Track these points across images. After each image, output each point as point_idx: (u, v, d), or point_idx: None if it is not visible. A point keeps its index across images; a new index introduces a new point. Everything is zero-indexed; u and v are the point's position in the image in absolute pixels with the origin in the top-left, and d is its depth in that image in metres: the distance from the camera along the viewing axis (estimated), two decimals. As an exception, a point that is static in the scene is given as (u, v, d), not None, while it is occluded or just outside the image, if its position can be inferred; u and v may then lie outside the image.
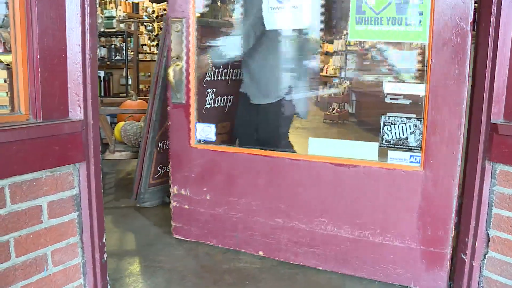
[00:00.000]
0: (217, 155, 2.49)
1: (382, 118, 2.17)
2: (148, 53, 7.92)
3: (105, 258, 1.89)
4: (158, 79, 2.79)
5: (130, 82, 5.43)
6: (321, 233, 2.29)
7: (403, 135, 2.14)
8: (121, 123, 3.72)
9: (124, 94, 5.71)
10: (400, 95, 2.13)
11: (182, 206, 2.59)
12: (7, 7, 1.63)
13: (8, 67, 1.69)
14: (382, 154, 2.17)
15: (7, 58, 1.70)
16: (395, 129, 2.16)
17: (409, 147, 2.12)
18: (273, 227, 2.39)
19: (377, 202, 2.15)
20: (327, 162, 2.25)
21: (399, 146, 2.14)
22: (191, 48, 2.46)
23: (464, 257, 1.95)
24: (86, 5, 1.65)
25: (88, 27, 1.66)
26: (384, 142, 2.18)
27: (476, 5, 1.96)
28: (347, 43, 9.56)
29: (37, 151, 1.57)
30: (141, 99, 4.33)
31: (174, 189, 2.60)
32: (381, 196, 2.14)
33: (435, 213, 2.03)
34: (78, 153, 1.70)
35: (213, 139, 2.57)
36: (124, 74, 5.75)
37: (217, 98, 2.98)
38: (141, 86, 7.73)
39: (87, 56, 1.67)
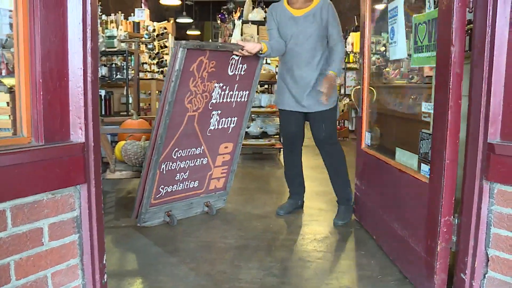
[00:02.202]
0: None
1: (420, 133, 2.32)
2: (148, 71, 7.99)
3: (105, 279, 1.89)
4: (165, 104, 2.81)
5: (130, 101, 5.46)
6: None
7: (427, 149, 2.21)
8: (122, 142, 3.74)
9: (125, 113, 5.75)
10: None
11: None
12: (11, 28, 1.66)
13: (11, 90, 1.71)
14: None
15: (10, 81, 1.71)
16: (424, 144, 2.27)
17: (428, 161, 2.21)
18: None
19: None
20: (398, 169, 2.54)
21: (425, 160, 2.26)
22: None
23: (464, 277, 1.95)
24: (87, 29, 1.69)
25: (89, 50, 1.69)
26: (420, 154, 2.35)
27: (471, 25, 2.00)
28: (346, 60, 9.66)
29: (39, 173, 1.58)
30: (141, 118, 4.35)
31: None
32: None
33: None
34: (79, 175, 1.72)
35: (369, 143, 3.18)
36: (124, 93, 5.79)
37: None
38: (141, 104, 7.80)
39: (89, 79, 1.70)
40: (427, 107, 2.27)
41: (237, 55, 3.06)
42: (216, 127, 3.28)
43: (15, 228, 1.52)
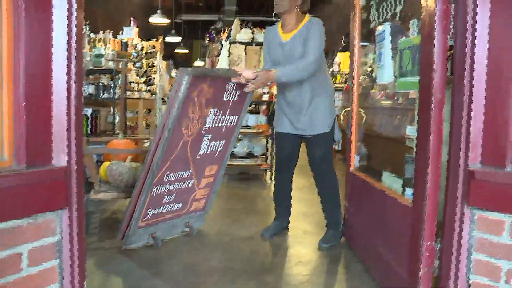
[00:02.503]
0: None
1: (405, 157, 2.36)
2: (136, 90, 7.98)
3: (86, 305, 1.87)
4: (164, 130, 2.81)
5: (117, 120, 5.45)
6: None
7: (411, 173, 2.23)
8: (107, 163, 3.72)
9: (111, 132, 5.73)
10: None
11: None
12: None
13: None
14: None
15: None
16: (408, 168, 2.29)
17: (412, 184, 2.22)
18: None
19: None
20: (382, 190, 2.60)
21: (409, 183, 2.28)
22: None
23: (447, 302, 1.96)
24: (72, 53, 1.69)
25: (74, 74, 1.70)
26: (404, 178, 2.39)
27: (451, 51, 2.04)
28: (333, 80, 9.74)
29: (20, 198, 1.57)
30: (128, 137, 4.34)
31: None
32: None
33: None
34: (61, 200, 1.71)
35: (358, 166, 3.22)
36: (111, 111, 5.77)
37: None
38: (128, 123, 7.78)
39: (73, 103, 1.70)
40: (411, 131, 2.30)
41: (233, 81, 3.03)
42: (206, 151, 3.27)
43: (-7, 253, 1.50)
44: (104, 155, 4.18)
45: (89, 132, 5.81)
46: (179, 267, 2.86)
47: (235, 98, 3.18)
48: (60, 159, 1.71)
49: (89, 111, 5.80)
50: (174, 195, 3.27)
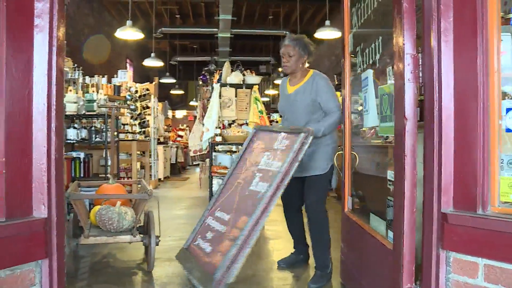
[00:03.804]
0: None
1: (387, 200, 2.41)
2: (129, 132, 8.06)
3: None
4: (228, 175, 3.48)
5: (110, 163, 5.49)
6: None
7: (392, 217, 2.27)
8: (97, 207, 3.75)
9: (104, 175, 5.76)
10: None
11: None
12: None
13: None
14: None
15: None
16: (390, 211, 2.34)
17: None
18: None
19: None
20: (371, 234, 2.60)
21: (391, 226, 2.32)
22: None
23: None
24: (52, 109, 1.76)
25: (54, 129, 1.76)
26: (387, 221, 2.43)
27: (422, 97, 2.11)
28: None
29: (-1, 250, 1.60)
30: (119, 181, 4.37)
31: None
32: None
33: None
34: (41, 251, 1.74)
35: (351, 208, 3.21)
36: (103, 155, 5.83)
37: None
38: (123, 165, 7.83)
39: (53, 157, 1.75)
40: (390, 175, 2.34)
41: (284, 132, 3.30)
42: (255, 188, 3.21)
43: (-30, 307, 1.52)
44: (94, 200, 4.20)
45: (81, 175, 5.84)
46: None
47: (283, 148, 3.28)
48: (40, 211, 1.75)
49: (81, 155, 5.86)
50: (213, 235, 3.12)
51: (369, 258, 2.62)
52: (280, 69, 15.00)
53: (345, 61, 3.25)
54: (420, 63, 2.10)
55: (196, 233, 3.33)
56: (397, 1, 2.09)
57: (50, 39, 1.77)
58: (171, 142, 14.26)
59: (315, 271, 3.42)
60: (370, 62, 2.73)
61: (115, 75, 9.24)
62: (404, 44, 2.02)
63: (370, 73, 2.73)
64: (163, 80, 14.58)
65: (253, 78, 6.54)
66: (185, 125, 20.04)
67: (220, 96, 6.24)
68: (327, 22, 8.28)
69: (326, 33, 8.26)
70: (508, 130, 1.79)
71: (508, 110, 1.78)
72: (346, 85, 3.24)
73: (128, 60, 14.83)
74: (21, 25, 1.72)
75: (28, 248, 1.69)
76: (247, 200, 3.15)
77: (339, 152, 3.38)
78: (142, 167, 9.04)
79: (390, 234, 2.30)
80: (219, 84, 6.34)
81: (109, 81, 8.15)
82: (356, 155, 3.15)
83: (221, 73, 6.74)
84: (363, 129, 3.71)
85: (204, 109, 7.10)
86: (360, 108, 3.74)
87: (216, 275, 2.68)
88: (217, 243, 3.03)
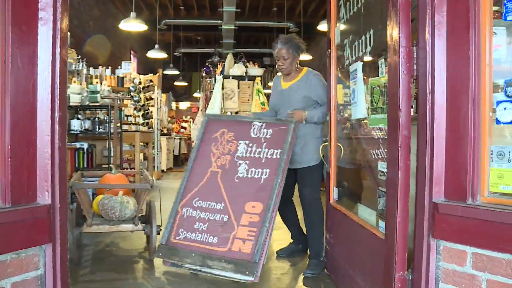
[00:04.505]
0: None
1: (377, 191, 2.44)
2: (133, 123, 8.13)
3: (68, 338, 1.94)
4: (189, 161, 3.39)
5: (112, 154, 5.57)
6: None
7: (384, 207, 2.32)
8: (99, 197, 3.82)
9: (107, 165, 5.84)
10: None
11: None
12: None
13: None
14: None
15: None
16: (381, 201, 2.39)
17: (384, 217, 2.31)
18: None
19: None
20: (360, 224, 2.65)
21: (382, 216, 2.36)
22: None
23: (417, 331, 2.02)
24: (56, 100, 1.82)
25: (57, 119, 1.82)
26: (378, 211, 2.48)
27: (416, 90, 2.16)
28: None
29: (4, 234, 1.67)
30: (121, 171, 4.44)
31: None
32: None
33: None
34: (45, 236, 1.80)
35: (337, 198, 3.30)
36: (107, 146, 5.91)
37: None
38: (126, 155, 7.90)
39: (56, 146, 1.82)
40: (382, 166, 2.40)
41: (258, 122, 3.48)
42: (246, 175, 3.33)
43: (-23, 289, 1.59)
44: (97, 189, 4.28)
45: (85, 165, 5.93)
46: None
47: (268, 136, 3.42)
48: (44, 197, 1.82)
49: (85, 146, 5.94)
50: (206, 226, 3.21)
51: (359, 248, 2.68)
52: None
53: (331, 53, 3.30)
54: (415, 56, 2.14)
55: (172, 227, 3.25)
56: (393, -6, 2.13)
57: (54, 32, 1.82)
58: (174, 134, 14.34)
59: (309, 260, 3.53)
60: (360, 54, 2.77)
61: (119, 67, 9.30)
62: (399, 37, 2.06)
63: (359, 65, 2.77)
64: (167, 72, 14.63)
65: (255, 70, 6.59)
66: (188, 117, 20.11)
67: (222, 87, 6.29)
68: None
69: (329, 26, 8.27)
70: (498, 123, 1.83)
71: (498, 103, 1.82)
72: (332, 77, 3.29)
73: (132, 51, 14.86)
74: (26, 18, 1.78)
75: (32, 233, 1.76)
76: (245, 187, 3.27)
77: (325, 144, 3.45)
78: (145, 158, 9.11)
79: (381, 223, 2.36)
80: (221, 75, 6.39)
81: (113, 73, 8.21)
82: (341, 147, 3.20)
83: (224, 65, 6.78)
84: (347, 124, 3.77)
85: (207, 100, 7.15)
86: (349, 99, 3.79)
87: (255, 258, 2.92)
88: (227, 231, 3.14)
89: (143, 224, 3.72)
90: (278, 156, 3.33)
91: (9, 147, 1.71)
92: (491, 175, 1.85)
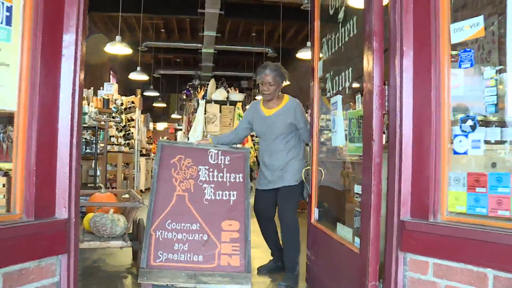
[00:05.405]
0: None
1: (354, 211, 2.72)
2: (115, 144, 8.31)
3: None
4: (152, 183, 3.47)
5: (98, 173, 5.76)
6: None
7: (359, 225, 2.61)
8: (90, 215, 4.01)
9: (92, 185, 6.02)
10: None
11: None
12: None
13: (5, 174, 2.05)
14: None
15: (5, 166, 2.06)
16: (357, 220, 2.67)
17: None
18: None
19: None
20: (339, 241, 2.90)
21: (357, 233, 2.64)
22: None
23: (387, 334, 2.31)
24: (74, 125, 2.07)
25: (75, 143, 2.07)
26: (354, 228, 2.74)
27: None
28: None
29: (28, 245, 1.90)
30: (109, 191, 4.65)
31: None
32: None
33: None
34: (61, 247, 2.04)
35: (317, 218, 3.52)
36: (93, 165, 6.09)
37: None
38: (108, 175, 8.06)
39: (73, 167, 2.07)
40: (358, 189, 2.70)
41: (214, 149, 3.72)
42: (214, 198, 3.57)
43: (5, 292, 1.81)
44: (87, 208, 4.46)
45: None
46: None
47: (226, 162, 3.69)
48: (61, 212, 2.06)
49: (71, 165, 6.09)
50: (187, 246, 3.38)
51: (337, 262, 2.96)
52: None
53: (314, 85, 3.62)
54: (386, 93, 2.46)
55: (150, 251, 3.33)
56: (368, 39, 2.45)
57: (74, 66, 2.09)
58: (152, 154, 14.48)
59: (285, 273, 3.81)
60: (340, 88, 3.09)
61: (101, 87, 9.50)
62: (373, 77, 2.39)
63: (339, 98, 3.08)
64: (147, 93, 14.83)
65: (236, 95, 6.90)
66: (165, 137, 20.26)
67: (205, 111, 6.57)
68: (309, 43, 8.70)
69: (307, 54, 8.68)
70: (455, 153, 2.16)
71: (455, 136, 2.15)
72: (315, 106, 3.59)
73: (112, 73, 15.06)
74: (53, 53, 2.04)
75: (52, 244, 1.99)
76: (216, 208, 3.53)
77: (307, 168, 3.74)
78: (125, 178, 9.27)
79: (357, 240, 2.65)
80: (204, 100, 6.68)
81: (95, 93, 8.42)
82: (322, 171, 3.50)
83: (206, 89, 7.08)
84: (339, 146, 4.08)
85: (190, 123, 7.40)
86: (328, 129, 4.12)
87: (248, 269, 3.30)
88: (210, 249, 3.37)
89: (131, 241, 3.92)
90: (241, 180, 3.67)
91: (34, 168, 1.95)
92: (450, 197, 2.17)
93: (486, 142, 2.09)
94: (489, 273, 1.91)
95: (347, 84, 2.93)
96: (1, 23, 1.90)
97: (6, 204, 2.02)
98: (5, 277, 1.81)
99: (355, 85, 2.82)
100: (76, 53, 2.10)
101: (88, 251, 4.69)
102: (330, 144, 3.43)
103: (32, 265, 1.92)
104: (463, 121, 2.12)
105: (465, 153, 2.13)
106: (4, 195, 2.04)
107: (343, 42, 3.01)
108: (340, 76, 3.05)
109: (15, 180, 1.96)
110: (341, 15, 3.07)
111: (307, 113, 4.32)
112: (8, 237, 1.83)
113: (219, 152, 3.71)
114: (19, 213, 1.96)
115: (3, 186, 2.03)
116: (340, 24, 3.05)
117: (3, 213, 1.99)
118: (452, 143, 2.18)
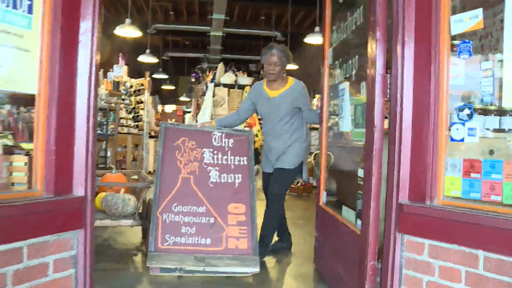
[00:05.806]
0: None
1: (357, 194, 2.82)
2: (125, 125, 8.45)
3: (92, 309, 2.31)
4: (157, 167, 3.56)
5: (109, 154, 5.91)
6: None
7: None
8: (102, 194, 4.16)
9: (103, 165, 6.17)
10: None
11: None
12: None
13: (27, 153, 2.18)
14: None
15: (27, 146, 2.19)
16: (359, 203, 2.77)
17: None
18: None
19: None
20: (343, 223, 3.01)
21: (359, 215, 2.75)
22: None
23: (384, 310, 2.44)
24: (91, 109, 2.20)
25: (91, 126, 2.20)
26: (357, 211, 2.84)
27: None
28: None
29: (49, 219, 2.04)
30: (119, 171, 4.79)
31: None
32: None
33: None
34: (78, 222, 2.18)
35: (325, 201, 3.61)
36: (103, 147, 6.24)
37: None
38: (118, 157, 8.23)
39: (90, 148, 2.20)
40: (361, 173, 2.81)
41: (218, 132, 3.81)
42: (219, 181, 3.70)
43: (28, 261, 1.96)
44: (98, 188, 4.61)
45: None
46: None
47: (230, 145, 3.79)
48: (78, 190, 2.19)
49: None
50: (194, 229, 3.49)
51: (341, 243, 3.08)
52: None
53: (324, 71, 3.71)
54: (388, 81, 2.55)
55: (157, 234, 3.40)
56: (372, 29, 2.54)
57: (91, 53, 2.21)
58: (161, 136, 14.58)
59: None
60: (347, 75, 3.18)
61: (110, 70, 9.61)
62: (376, 65, 2.48)
63: (346, 85, 3.18)
64: (156, 76, 14.92)
65: (245, 79, 7.00)
66: (173, 120, 20.39)
67: (213, 95, 6.68)
68: (317, 28, 8.74)
69: (315, 39, 8.72)
70: (452, 140, 2.27)
71: (452, 124, 2.26)
72: (325, 92, 3.69)
73: (121, 55, 15.14)
74: (70, 40, 2.15)
75: (70, 219, 2.13)
76: (221, 191, 3.65)
77: (316, 152, 3.84)
78: (135, 159, 9.44)
79: (359, 222, 2.76)
80: (213, 84, 6.78)
81: (104, 75, 8.54)
82: (331, 155, 3.61)
83: (215, 72, 7.17)
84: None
85: (198, 107, 7.52)
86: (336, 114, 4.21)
87: (255, 252, 3.46)
88: (218, 232, 3.50)
89: (141, 220, 4.07)
90: (245, 163, 3.80)
91: (54, 148, 2.08)
92: (446, 182, 2.28)
93: (487, 130, 2.20)
94: (480, 254, 2.03)
95: (354, 72, 3.02)
96: (23, 11, 2.01)
97: (28, 182, 2.16)
98: (29, 249, 1.96)
99: (361, 72, 2.92)
100: (92, 39, 2.21)
101: (99, 229, 4.83)
102: (337, 129, 3.53)
103: (52, 239, 2.06)
104: (460, 109, 2.22)
105: (462, 140, 2.23)
106: (26, 173, 2.17)
107: (351, 30, 3.10)
108: (348, 64, 3.14)
109: (36, 159, 2.09)
110: (350, 3, 3.16)
111: (314, 97, 4.43)
112: (31, 211, 1.97)
113: (223, 134, 3.80)
114: (40, 189, 2.10)
115: (25, 164, 2.17)
116: (349, 12, 3.14)
117: (26, 189, 2.13)
118: (449, 130, 2.29)
